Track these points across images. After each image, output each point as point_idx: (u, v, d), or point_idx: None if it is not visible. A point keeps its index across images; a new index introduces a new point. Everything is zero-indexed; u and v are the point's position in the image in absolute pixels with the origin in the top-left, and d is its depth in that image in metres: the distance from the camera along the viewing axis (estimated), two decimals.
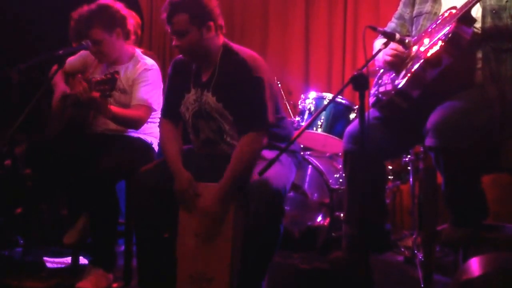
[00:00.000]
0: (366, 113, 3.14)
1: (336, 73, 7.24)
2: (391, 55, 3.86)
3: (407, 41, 3.71)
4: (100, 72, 4.63)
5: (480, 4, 3.68)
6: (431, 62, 3.60)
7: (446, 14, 3.73)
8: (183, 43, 3.93)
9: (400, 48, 3.85)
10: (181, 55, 4.14)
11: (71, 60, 4.82)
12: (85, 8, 4.52)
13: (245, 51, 4.02)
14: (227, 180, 3.81)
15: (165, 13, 3.93)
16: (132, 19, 4.70)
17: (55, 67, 4.44)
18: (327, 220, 5.37)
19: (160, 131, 4.26)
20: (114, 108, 4.35)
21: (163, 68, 4.88)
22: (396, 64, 3.86)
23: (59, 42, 4.50)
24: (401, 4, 4.21)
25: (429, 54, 3.60)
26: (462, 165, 3.57)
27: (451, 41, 3.56)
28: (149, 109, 4.55)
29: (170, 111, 4.20)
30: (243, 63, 3.92)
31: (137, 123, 4.52)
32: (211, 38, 3.95)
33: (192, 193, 3.88)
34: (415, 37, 3.92)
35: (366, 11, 7.09)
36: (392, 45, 3.82)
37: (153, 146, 4.74)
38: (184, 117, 4.13)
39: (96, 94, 4.19)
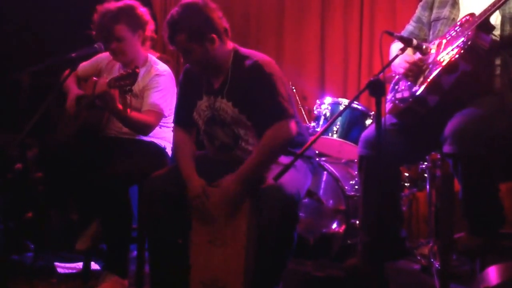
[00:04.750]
0: (383, 119, 3.11)
1: (352, 78, 7.19)
2: (404, 68, 3.84)
3: (424, 47, 3.68)
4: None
5: (499, 11, 3.67)
6: (449, 70, 3.59)
7: (464, 20, 3.70)
8: (190, 61, 3.92)
9: (415, 58, 3.83)
10: None
11: (84, 65, 4.80)
12: (112, 4, 4.53)
13: (256, 54, 3.98)
14: (249, 166, 3.77)
15: (166, 34, 3.89)
16: (151, 25, 4.71)
17: (68, 71, 4.42)
18: (343, 227, 5.33)
19: (173, 138, 4.24)
20: (123, 108, 4.29)
21: (177, 72, 4.84)
22: (411, 76, 3.83)
23: (70, 45, 4.47)
24: (419, 7, 4.18)
25: (447, 62, 3.58)
26: (480, 172, 3.54)
27: (470, 49, 3.56)
28: (160, 115, 4.52)
29: (183, 118, 4.17)
30: (255, 64, 3.88)
31: (146, 129, 4.49)
32: (217, 49, 3.89)
33: (206, 200, 3.83)
34: (433, 42, 3.89)
35: (383, 15, 7.04)
36: (407, 56, 3.81)
37: (166, 150, 4.70)
38: (198, 124, 4.10)
39: (114, 91, 4.16)
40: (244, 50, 4.03)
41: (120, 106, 4.21)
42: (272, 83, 3.85)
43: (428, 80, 3.65)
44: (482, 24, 3.56)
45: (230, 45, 4.00)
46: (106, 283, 4.24)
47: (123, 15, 4.49)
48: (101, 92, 4.20)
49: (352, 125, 5.60)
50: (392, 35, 3.64)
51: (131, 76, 4.15)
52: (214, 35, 3.86)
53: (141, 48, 4.65)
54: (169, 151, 4.71)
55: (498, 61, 3.68)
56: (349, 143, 5.55)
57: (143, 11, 4.61)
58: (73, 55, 4.19)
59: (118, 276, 4.27)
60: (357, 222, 4.96)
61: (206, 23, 3.84)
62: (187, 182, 3.88)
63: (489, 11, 3.53)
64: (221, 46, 3.92)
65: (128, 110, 4.28)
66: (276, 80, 3.87)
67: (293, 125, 3.85)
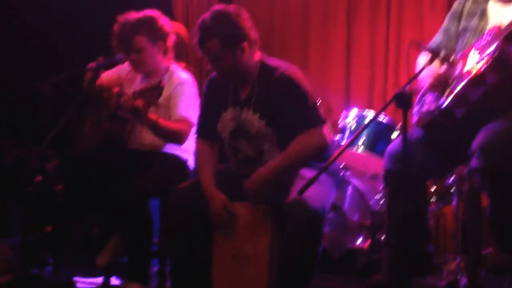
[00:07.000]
0: (409, 132, 3.06)
1: (378, 90, 7.13)
2: (431, 80, 3.81)
3: (452, 58, 3.64)
4: (135, 87, 4.57)
5: None
6: (476, 81, 3.55)
7: (491, 32, 3.66)
8: (218, 68, 3.88)
9: (441, 70, 3.78)
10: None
11: (108, 74, 4.79)
12: (132, 15, 4.53)
13: (282, 65, 3.93)
14: (274, 167, 3.75)
15: (195, 39, 3.86)
16: (173, 36, 4.69)
17: (88, 76, 4.41)
18: (368, 242, 5.30)
19: (195, 151, 4.20)
20: (155, 117, 4.27)
21: (200, 82, 4.81)
22: (437, 88, 3.78)
23: (91, 56, 4.46)
24: (447, 18, 4.13)
25: (474, 73, 3.55)
26: (508, 187, 3.49)
27: (497, 60, 3.51)
28: (191, 124, 4.48)
29: (206, 131, 4.13)
30: (284, 76, 3.83)
31: (181, 137, 4.46)
32: (247, 58, 3.86)
33: (227, 216, 3.78)
34: (460, 53, 3.84)
35: (409, 26, 6.98)
36: (433, 68, 3.79)
37: (188, 163, 4.66)
38: (221, 136, 4.06)
39: (139, 103, 4.13)
40: (270, 61, 3.99)
41: (152, 116, 4.19)
42: (303, 94, 3.82)
43: (455, 92, 3.60)
44: (510, 35, 3.51)
45: (258, 55, 3.96)
46: None
47: (143, 26, 4.47)
48: (130, 107, 4.17)
49: (378, 138, 5.54)
50: (419, 46, 3.59)
51: (156, 89, 4.12)
52: (245, 44, 3.82)
53: (163, 59, 4.63)
54: (191, 164, 4.66)
55: None
56: (375, 156, 5.49)
57: (164, 22, 4.59)
58: (94, 65, 4.19)
59: (140, 284, 4.26)
60: (383, 237, 4.90)
61: (239, 31, 3.81)
62: (209, 199, 3.83)
63: None
64: (250, 56, 3.88)
65: (161, 120, 4.27)
66: (306, 89, 3.84)
67: (326, 131, 3.80)
